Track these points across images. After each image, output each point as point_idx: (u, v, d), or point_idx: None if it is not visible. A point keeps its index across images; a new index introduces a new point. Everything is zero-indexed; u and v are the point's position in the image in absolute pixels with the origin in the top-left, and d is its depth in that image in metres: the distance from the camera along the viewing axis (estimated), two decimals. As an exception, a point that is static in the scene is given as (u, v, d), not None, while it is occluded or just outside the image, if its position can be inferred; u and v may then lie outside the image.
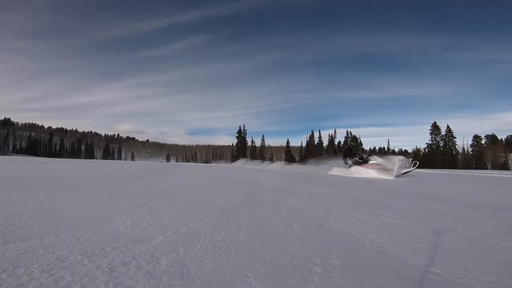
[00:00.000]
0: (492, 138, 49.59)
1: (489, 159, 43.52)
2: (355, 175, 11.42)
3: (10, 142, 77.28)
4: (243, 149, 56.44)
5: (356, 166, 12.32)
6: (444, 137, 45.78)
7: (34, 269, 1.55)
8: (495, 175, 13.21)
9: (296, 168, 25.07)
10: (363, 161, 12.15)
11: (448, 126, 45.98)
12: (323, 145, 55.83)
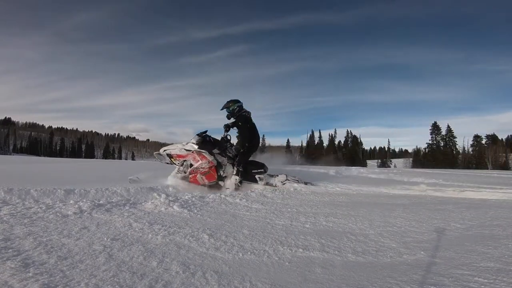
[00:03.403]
0: (492, 138, 49.47)
1: (490, 159, 43.43)
2: None
3: (11, 142, 77.31)
4: (243, 149, 56.30)
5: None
6: (444, 137, 45.72)
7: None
8: (495, 174, 13.20)
9: None
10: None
11: (448, 126, 45.95)
12: (323, 144, 55.77)
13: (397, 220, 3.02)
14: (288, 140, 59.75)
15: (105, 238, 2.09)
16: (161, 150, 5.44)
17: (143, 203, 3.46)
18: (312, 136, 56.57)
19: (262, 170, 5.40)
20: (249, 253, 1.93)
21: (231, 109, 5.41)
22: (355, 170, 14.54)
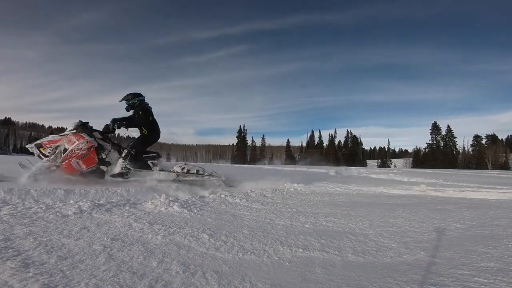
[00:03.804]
0: (492, 138, 49.49)
1: (490, 159, 43.44)
2: None
3: (11, 142, 77.34)
4: (243, 149, 56.38)
5: None
6: (444, 137, 45.72)
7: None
8: (495, 174, 13.21)
9: None
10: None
11: (448, 126, 45.94)
12: (324, 145, 55.79)
13: (397, 220, 3.02)
14: (288, 140, 59.76)
15: (105, 238, 2.09)
16: (28, 145, 4.58)
17: (143, 203, 3.46)
18: (312, 136, 56.62)
19: (155, 154, 5.01)
20: (249, 253, 1.93)
21: (131, 102, 4.90)
22: (355, 170, 14.56)
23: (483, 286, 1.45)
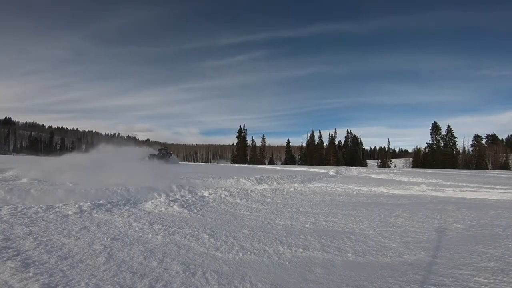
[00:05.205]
0: (492, 138, 49.45)
1: (490, 159, 43.43)
2: None
3: (11, 142, 77.42)
4: (243, 149, 56.36)
5: None
6: (444, 137, 45.66)
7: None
8: (495, 174, 13.20)
9: None
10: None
11: (448, 126, 45.86)
12: (324, 144, 55.76)
13: (397, 220, 3.02)
14: (288, 140, 59.69)
15: (105, 238, 2.08)
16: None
17: (143, 203, 3.46)
18: (312, 136, 56.52)
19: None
20: (249, 253, 1.93)
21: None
22: (355, 170, 14.54)
23: (483, 286, 1.45)
